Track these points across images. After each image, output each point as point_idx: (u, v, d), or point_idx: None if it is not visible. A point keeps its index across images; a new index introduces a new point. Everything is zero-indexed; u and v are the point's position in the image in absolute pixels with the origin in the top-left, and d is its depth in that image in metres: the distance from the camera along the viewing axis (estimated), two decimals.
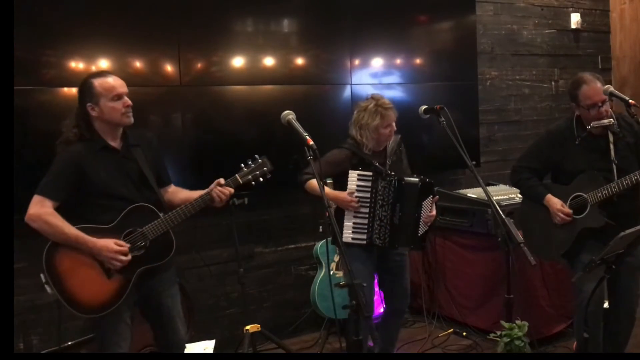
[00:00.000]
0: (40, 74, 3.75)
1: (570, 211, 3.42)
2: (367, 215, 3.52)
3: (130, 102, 2.90)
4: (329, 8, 4.75)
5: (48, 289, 2.79)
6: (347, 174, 3.52)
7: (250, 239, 4.61)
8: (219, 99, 4.37)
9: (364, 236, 3.52)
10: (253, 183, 3.02)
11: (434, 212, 3.64)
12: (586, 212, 3.38)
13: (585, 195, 3.38)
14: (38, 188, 2.81)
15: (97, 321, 2.88)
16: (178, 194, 3.11)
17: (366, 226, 3.52)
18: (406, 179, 3.55)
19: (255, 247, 4.69)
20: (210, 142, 4.30)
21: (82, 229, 2.78)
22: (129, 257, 2.81)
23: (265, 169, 3.02)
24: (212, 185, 3.00)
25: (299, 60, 4.64)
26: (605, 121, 3.33)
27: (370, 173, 3.52)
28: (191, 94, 4.22)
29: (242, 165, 3.03)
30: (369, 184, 3.51)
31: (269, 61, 4.51)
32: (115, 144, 2.92)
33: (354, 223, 3.52)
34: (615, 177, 3.30)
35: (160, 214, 2.89)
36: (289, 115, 2.88)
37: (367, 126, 3.55)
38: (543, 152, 3.59)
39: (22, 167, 3.65)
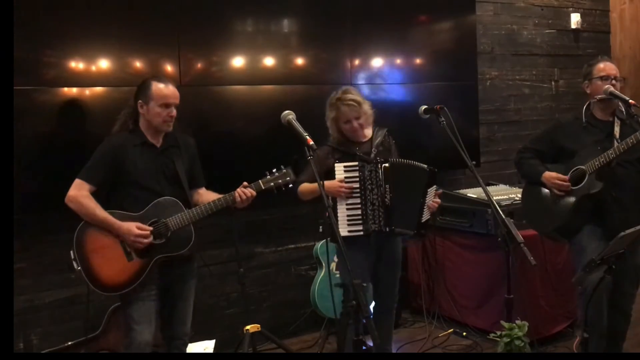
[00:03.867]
0: (40, 74, 3.75)
1: (567, 177, 3.47)
2: (359, 206, 3.49)
3: (174, 114, 3.13)
4: (329, 8, 4.74)
5: (75, 264, 3.02)
6: (333, 169, 3.49)
7: (250, 239, 4.61)
8: (219, 99, 4.37)
9: (360, 227, 3.49)
10: (275, 191, 3.19)
11: (439, 200, 3.62)
12: (584, 181, 3.42)
13: (583, 167, 3.44)
14: (79, 172, 3.05)
15: (123, 301, 3.12)
16: (206, 195, 3.28)
17: (360, 217, 3.49)
18: (406, 161, 3.53)
19: (255, 247, 4.69)
20: (210, 142, 4.29)
21: (112, 214, 3.03)
22: (150, 239, 3.01)
23: (288, 178, 3.18)
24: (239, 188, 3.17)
25: (299, 60, 4.64)
26: (618, 92, 3.40)
27: (355, 163, 3.49)
28: (191, 94, 4.20)
29: (267, 172, 3.18)
30: (356, 173, 3.49)
31: (269, 61, 4.51)
32: (155, 141, 3.15)
33: (347, 216, 3.48)
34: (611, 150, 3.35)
35: (185, 209, 3.09)
36: (289, 115, 2.89)
37: (328, 117, 3.58)
38: (548, 136, 3.67)
39: (22, 167, 3.65)
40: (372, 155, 3.55)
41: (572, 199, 3.47)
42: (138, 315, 3.07)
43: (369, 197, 3.49)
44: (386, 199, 3.48)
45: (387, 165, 3.49)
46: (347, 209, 3.49)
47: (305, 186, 3.51)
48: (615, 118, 3.46)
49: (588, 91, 3.55)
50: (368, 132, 3.66)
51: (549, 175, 3.54)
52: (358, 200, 3.49)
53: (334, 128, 3.59)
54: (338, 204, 3.49)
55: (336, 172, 3.48)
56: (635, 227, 2.93)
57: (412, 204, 3.51)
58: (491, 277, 4.37)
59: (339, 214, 3.49)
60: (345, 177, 3.48)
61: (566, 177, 3.47)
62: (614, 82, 3.45)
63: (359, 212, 3.49)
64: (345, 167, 3.49)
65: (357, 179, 3.49)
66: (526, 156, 3.67)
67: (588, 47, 6.38)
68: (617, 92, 3.35)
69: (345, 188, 3.46)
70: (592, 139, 3.47)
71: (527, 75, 6.03)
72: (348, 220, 3.48)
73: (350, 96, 3.54)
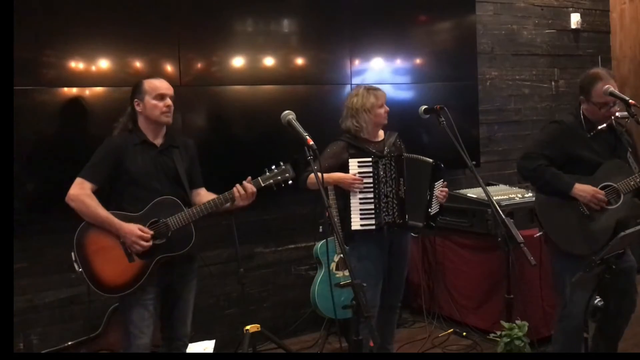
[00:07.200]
0: (40, 74, 3.75)
1: (604, 193, 3.21)
2: (372, 200, 3.53)
3: (170, 103, 3.13)
4: (328, 8, 4.75)
5: (76, 266, 2.99)
6: (347, 164, 3.53)
7: (250, 239, 4.60)
8: (219, 99, 4.37)
9: (373, 221, 3.53)
10: (275, 188, 3.15)
11: (446, 190, 3.62)
12: (620, 201, 3.23)
13: (615, 185, 3.24)
14: (81, 171, 3.03)
15: (122, 304, 3.09)
16: (205, 196, 3.26)
17: (373, 211, 3.53)
18: (414, 155, 3.57)
19: (255, 247, 4.69)
20: (210, 142, 4.29)
21: (113, 214, 3.00)
22: (150, 243, 3.00)
23: (287, 175, 3.14)
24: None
25: (299, 60, 4.64)
26: (625, 113, 3.29)
27: (370, 158, 3.54)
28: (191, 94, 4.22)
29: (266, 169, 3.15)
30: (370, 169, 3.53)
31: (269, 61, 4.51)
32: (155, 140, 3.14)
33: (360, 210, 3.53)
34: (635, 166, 3.23)
35: (185, 208, 3.08)
36: (289, 115, 2.89)
37: (364, 107, 3.58)
38: (558, 142, 3.33)
39: (22, 167, 3.65)
40: (386, 152, 3.61)
41: (610, 220, 3.18)
42: (138, 319, 3.05)
43: (382, 190, 3.54)
44: (400, 192, 3.54)
45: (401, 158, 3.54)
46: (360, 203, 3.54)
47: (313, 177, 3.47)
48: (616, 128, 3.36)
49: (584, 106, 3.34)
50: (381, 133, 3.70)
51: (585, 188, 3.21)
52: (371, 195, 3.54)
53: (368, 117, 3.58)
54: (351, 198, 3.54)
55: (350, 167, 3.53)
56: (635, 227, 2.92)
57: (422, 197, 3.55)
58: (491, 277, 4.37)
59: (352, 208, 3.54)
60: (359, 173, 3.53)
61: (603, 193, 3.20)
62: (615, 108, 3.25)
63: (372, 206, 3.53)
64: (359, 162, 3.54)
65: (371, 174, 3.54)
66: (543, 163, 3.27)
67: (588, 47, 6.39)
68: (617, 93, 3.29)
69: (358, 180, 3.50)
70: (605, 148, 3.29)
71: (527, 75, 6.03)
72: (361, 214, 3.54)
73: (373, 86, 3.67)
